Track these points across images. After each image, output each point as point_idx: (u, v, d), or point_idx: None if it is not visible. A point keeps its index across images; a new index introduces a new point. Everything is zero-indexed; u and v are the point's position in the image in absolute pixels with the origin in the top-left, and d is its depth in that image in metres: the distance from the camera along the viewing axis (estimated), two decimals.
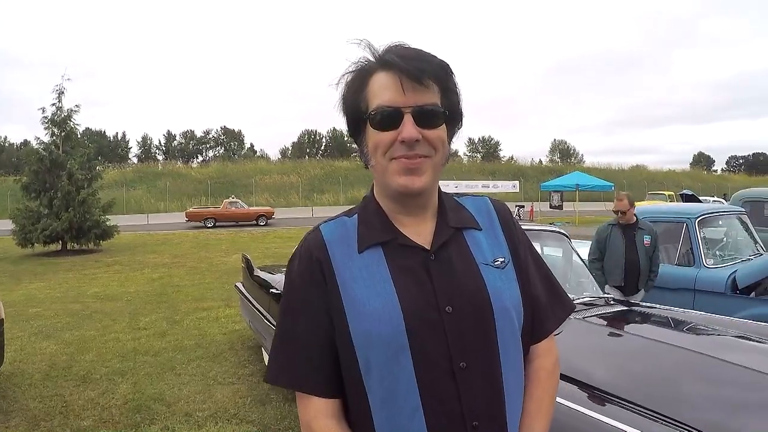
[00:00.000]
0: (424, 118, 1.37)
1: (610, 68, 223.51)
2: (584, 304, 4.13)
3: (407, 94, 1.36)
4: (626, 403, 2.62)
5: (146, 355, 7.66)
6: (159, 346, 8.10)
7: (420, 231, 1.48)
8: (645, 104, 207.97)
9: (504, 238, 1.57)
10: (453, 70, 1.45)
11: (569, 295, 4.15)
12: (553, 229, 4.95)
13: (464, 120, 1.52)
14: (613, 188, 37.86)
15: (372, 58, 1.43)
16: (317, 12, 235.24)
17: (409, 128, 1.35)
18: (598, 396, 2.71)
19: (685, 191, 11.60)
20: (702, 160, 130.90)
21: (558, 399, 2.54)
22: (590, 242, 6.96)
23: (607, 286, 6.26)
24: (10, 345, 7.84)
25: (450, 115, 1.44)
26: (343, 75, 1.48)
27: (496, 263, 1.50)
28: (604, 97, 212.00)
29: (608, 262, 6.65)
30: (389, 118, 1.37)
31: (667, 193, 39.69)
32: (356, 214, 1.54)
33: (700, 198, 13.44)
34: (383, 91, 1.39)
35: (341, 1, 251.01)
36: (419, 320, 1.36)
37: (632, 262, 6.48)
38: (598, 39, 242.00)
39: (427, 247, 1.45)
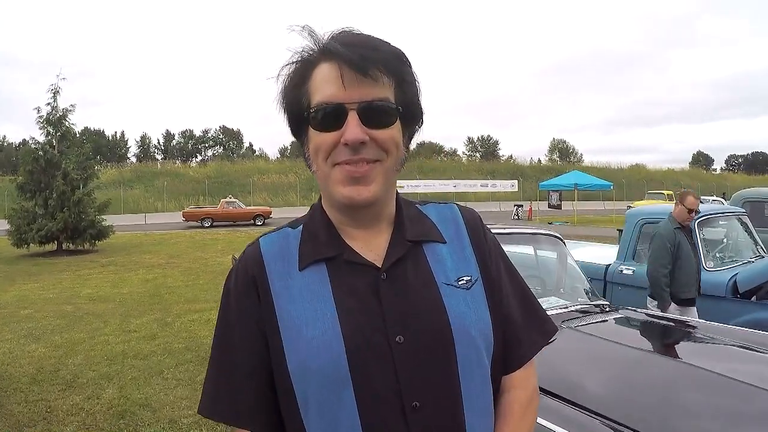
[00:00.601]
0: (372, 115, 1.18)
1: (609, 67, 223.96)
2: (578, 311, 3.97)
3: (351, 88, 1.17)
4: (616, 424, 2.48)
5: (135, 359, 7.54)
6: (148, 349, 7.98)
7: (372, 245, 1.29)
8: (644, 103, 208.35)
9: (473, 252, 1.35)
10: (409, 59, 1.26)
11: (563, 301, 4.02)
12: (548, 232, 4.80)
13: (424, 117, 1.32)
14: (612, 187, 37.82)
15: (314, 47, 1.23)
16: (318, 11, 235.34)
17: (352, 128, 1.16)
18: (587, 413, 2.56)
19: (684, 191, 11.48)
20: (701, 159, 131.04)
21: (542, 419, 2.41)
22: (588, 243, 6.78)
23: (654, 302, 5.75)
24: None
25: (405, 111, 1.24)
26: (283, 66, 1.27)
27: (460, 282, 1.29)
28: (603, 97, 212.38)
29: (681, 274, 5.77)
30: (331, 117, 1.18)
31: (666, 192, 39.74)
32: (301, 225, 1.36)
33: (700, 198, 13.40)
34: (324, 85, 1.19)
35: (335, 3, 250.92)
36: (364, 351, 1.17)
37: (698, 271, 5.90)
38: (597, 38, 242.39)
39: (379, 264, 1.26)
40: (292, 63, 1.26)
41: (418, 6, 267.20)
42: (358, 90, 1.17)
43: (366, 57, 1.15)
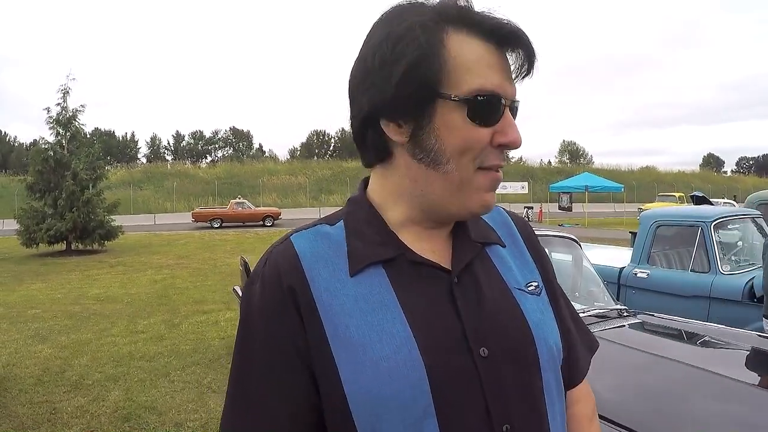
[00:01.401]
0: (514, 116, 1.02)
1: (619, 69, 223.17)
2: (595, 316, 3.86)
3: (508, 82, 0.99)
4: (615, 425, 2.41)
5: (141, 360, 7.47)
6: (155, 351, 7.91)
7: (433, 246, 1.08)
8: (654, 105, 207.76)
9: (531, 258, 1.20)
10: None
11: (579, 305, 3.93)
12: (563, 234, 4.69)
13: None
14: (622, 190, 37.64)
15: (452, 11, 0.98)
16: (327, 12, 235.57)
17: (515, 129, 1.00)
18: (606, 423, 2.45)
19: (695, 193, 11.38)
20: (712, 161, 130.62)
21: None
22: (600, 245, 6.63)
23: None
24: (5, 348, 7.81)
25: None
26: (390, 13, 1.01)
27: (530, 288, 1.13)
28: (613, 98, 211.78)
29: None
30: (494, 111, 0.97)
31: (677, 194, 39.48)
32: (341, 221, 1.10)
33: (711, 200, 13.28)
34: (488, 69, 0.96)
35: (351, 1, 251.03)
36: (447, 371, 0.95)
37: None
38: (608, 39, 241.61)
39: (447, 266, 1.05)
40: (407, 16, 0.98)
41: None
42: (512, 85, 1.00)
43: (532, 54, 1.00)
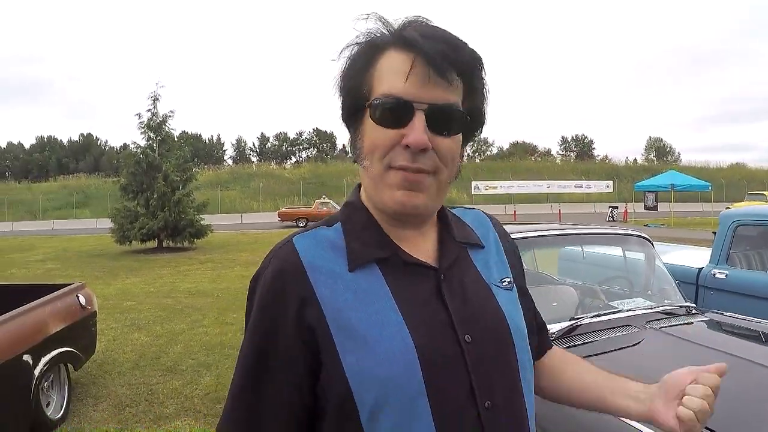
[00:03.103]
0: (439, 121, 1.10)
1: (706, 60, 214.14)
2: (663, 313, 3.87)
3: (423, 87, 1.08)
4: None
5: (231, 349, 7.82)
6: None
7: (420, 247, 1.23)
8: (745, 98, 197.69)
9: (505, 256, 1.36)
10: (484, 65, 1.17)
11: (648, 302, 3.99)
12: (636, 233, 4.71)
13: (484, 127, 1.25)
14: (710, 188, 36.47)
15: (386, 32, 1.14)
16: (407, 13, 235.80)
17: (418, 131, 1.08)
18: None
19: None
20: None
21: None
22: (682, 246, 6.46)
23: None
24: (104, 335, 8.17)
25: (470, 121, 1.18)
26: (348, 46, 1.18)
27: (503, 284, 1.29)
28: (701, 91, 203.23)
29: None
30: (396, 113, 1.09)
31: (767, 193, 37.76)
32: (338, 224, 1.24)
33: None
34: (392, 76, 1.10)
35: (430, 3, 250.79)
36: (437, 356, 1.10)
37: None
38: (694, 29, 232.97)
39: (434, 265, 1.21)
40: (357, 44, 1.17)
41: (510, 2, 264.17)
42: (429, 89, 1.09)
43: (446, 55, 1.07)
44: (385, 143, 1.11)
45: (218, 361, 7.30)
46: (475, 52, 1.14)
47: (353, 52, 1.17)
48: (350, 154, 1.25)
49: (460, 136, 1.16)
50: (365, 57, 1.15)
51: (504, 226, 1.48)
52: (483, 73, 1.17)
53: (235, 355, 7.17)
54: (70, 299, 5.94)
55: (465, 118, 1.15)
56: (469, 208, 1.44)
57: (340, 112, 1.22)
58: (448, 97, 1.10)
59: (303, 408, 1.13)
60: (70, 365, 5.73)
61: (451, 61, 1.08)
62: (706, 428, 2.37)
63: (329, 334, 1.09)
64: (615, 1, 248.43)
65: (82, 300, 6.08)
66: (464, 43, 1.13)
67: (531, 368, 1.27)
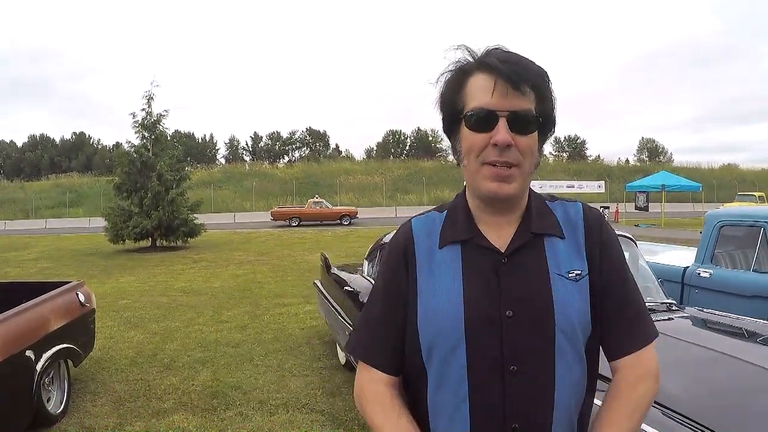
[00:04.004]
0: (518, 123, 1.39)
1: (700, 60, 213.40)
2: None
3: (503, 99, 1.38)
4: (687, 420, 2.55)
5: (227, 346, 7.97)
6: (239, 338, 8.41)
7: (501, 233, 1.51)
8: (738, 99, 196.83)
9: (584, 251, 1.53)
10: (550, 78, 1.46)
11: None
12: (620, 232, 4.90)
13: (555, 126, 1.52)
14: (700, 189, 36.66)
15: (470, 59, 1.46)
16: (402, 13, 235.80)
17: (502, 132, 1.37)
18: (661, 409, 2.63)
19: None
20: None
21: None
22: (670, 246, 6.57)
23: None
24: (100, 333, 8.23)
25: (542, 122, 1.45)
26: (443, 73, 1.51)
27: (570, 275, 1.48)
28: (693, 93, 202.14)
29: None
30: (484, 121, 1.39)
31: (757, 194, 37.76)
32: (446, 211, 1.61)
33: None
34: (480, 92, 1.41)
35: (425, 4, 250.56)
36: (478, 320, 1.42)
37: None
38: (687, 29, 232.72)
39: (503, 249, 1.48)
40: (450, 71, 1.50)
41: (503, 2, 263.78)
42: (508, 100, 1.38)
43: (518, 73, 1.38)
44: (479, 144, 1.42)
45: (214, 357, 7.43)
46: (541, 68, 1.45)
47: (447, 78, 1.50)
48: (453, 158, 1.58)
49: (536, 134, 1.44)
50: (457, 80, 1.48)
51: (608, 222, 1.64)
52: (549, 84, 1.46)
53: (231, 352, 7.40)
54: (70, 297, 6.07)
55: (538, 120, 1.43)
56: (572, 202, 1.63)
57: (441, 126, 1.56)
58: (523, 105, 1.40)
59: (401, 326, 1.55)
60: (70, 361, 5.84)
61: (523, 77, 1.39)
62: (689, 419, 2.54)
63: (416, 289, 1.52)
64: (607, 1, 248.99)
65: (82, 297, 6.21)
66: (532, 62, 1.44)
67: (575, 353, 1.46)
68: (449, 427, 1.46)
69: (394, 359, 1.56)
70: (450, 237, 1.53)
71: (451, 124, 1.51)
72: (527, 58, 1.44)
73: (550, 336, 1.42)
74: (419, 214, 1.65)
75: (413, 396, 1.56)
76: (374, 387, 1.55)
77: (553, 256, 1.49)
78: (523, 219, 1.52)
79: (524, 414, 1.41)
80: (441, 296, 1.46)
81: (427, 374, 1.49)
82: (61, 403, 5.60)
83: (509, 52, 1.44)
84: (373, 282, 1.69)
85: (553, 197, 1.63)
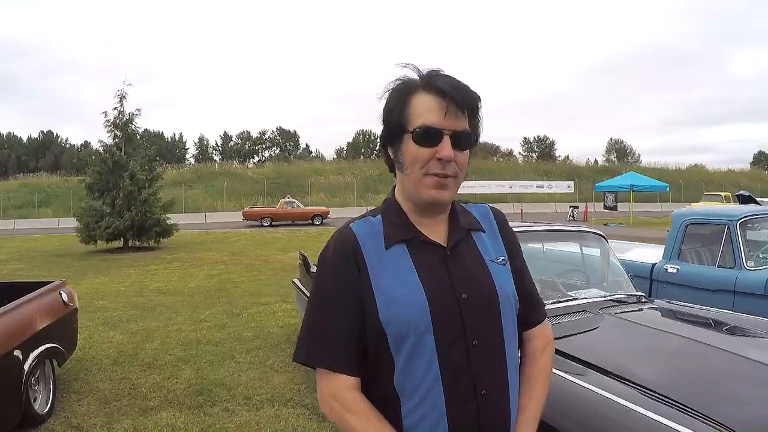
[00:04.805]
0: (459, 141, 1.60)
1: (668, 64, 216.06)
2: (616, 301, 4.31)
3: (449, 119, 1.58)
4: (660, 396, 2.73)
5: (207, 345, 8.07)
6: (219, 337, 8.51)
7: (435, 231, 1.72)
8: (704, 102, 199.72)
9: (501, 241, 1.83)
10: (482, 101, 1.67)
11: (603, 292, 4.46)
12: (592, 230, 5.13)
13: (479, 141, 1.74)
14: (668, 189, 37.30)
15: (416, 78, 1.65)
16: (370, 15, 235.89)
17: (447, 149, 1.57)
18: (637, 390, 2.82)
19: (741, 192, 11.30)
20: (763, 160, 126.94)
21: (593, 387, 2.81)
22: (638, 244, 6.81)
23: None
24: (79, 333, 8.22)
25: (475, 140, 1.67)
26: (388, 89, 1.69)
27: (498, 261, 1.76)
28: (661, 95, 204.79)
29: None
30: (431, 137, 1.58)
31: (723, 194, 38.56)
32: (380, 215, 1.76)
33: (757, 199, 13.05)
34: (428, 112, 1.59)
35: (396, 4, 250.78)
36: (440, 306, 1.60)
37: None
38: (656, 33, 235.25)
39: (444, 244, 1.70)
40: (396, 89, 1.67)
41: (471, 2, 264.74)
42: (452, 121, 1.58)
43: (464, 99, 1.59)
44: (424, 157, 1.60)
45: (196, 355, 7.52)
46: (476, 93, 1.64)
47: (394, 94, 1.67)
48: (397, 165, 1.72)
49: (468, 151, 1.65)
50: (403, 95, 1.65)
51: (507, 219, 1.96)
52: (480, 105, 1.66)
53: (212, 350, 7.49)
54: (54, 296, 6.11)
55: (473, 138, 1.66)
56: (480, 204, 1.92)
57: (382, 134, 1.72)
58: (463, 125, 1.61)
59: (359, 327, 1.64)
60: (54, 361, 5.89)
61: (467, 102, 1.60)
62: (665, 397, 2.73)
63: (372, 290, 1.63)
64: (577, 3, 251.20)
65: (65, 297, 6.25)
66: (469, 87, 1.63)
67: (514, 322, 1.75)
68: (422, 406, 1.59)
69: (359, 361, 1.65)
70: (395, 237, 1.69)
71: (394, 135, 1.66)
72: (466, 84, 1.63)
73: (497, 312, 1.67)
74: (356, 218, 1.79)
75: (376, 387, 1.65)
76: (350, 395, 1.63)
77: (483, 246, 1.77)
78: (451, 218, 1.76)
79: (489, 381, 1.63)
80: (402, 290, 1.61)
81: (393, 364, 1.61)
82: (47, 403, 5.63)
83: (450, 76, 1.63)
84: (317, 288, 1.73)
85: (464, 201, 1.89)
